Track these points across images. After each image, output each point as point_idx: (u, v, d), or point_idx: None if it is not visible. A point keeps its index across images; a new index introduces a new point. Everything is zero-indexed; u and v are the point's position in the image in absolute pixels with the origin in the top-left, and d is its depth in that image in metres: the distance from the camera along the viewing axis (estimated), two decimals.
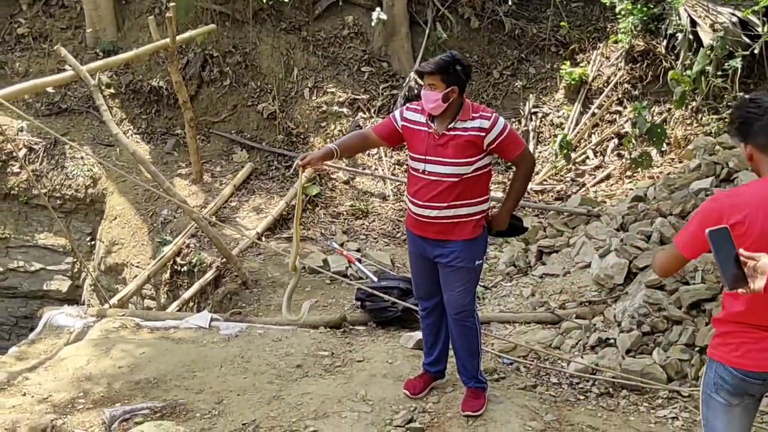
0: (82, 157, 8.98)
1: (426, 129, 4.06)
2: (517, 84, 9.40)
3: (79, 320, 5.99)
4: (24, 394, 4.87)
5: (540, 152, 8.89)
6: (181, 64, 8.76)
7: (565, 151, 8.40)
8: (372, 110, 9.32)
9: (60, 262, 9.21)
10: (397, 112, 4.26)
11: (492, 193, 4.51)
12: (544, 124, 9.11)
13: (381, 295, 5.84)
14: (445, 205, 4.04)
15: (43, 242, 9.15)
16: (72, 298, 9.13)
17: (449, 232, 4.09)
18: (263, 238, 7.66)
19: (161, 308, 7.63)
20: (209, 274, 7.28)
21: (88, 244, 9.14)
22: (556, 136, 8.74)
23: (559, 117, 9.08)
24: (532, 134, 9.00)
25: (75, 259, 9.03)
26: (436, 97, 3.94)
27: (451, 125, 4.01)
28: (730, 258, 2.48)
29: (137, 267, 8.13)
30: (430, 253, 4.20)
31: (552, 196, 8.20)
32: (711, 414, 2.93)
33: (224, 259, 7.17)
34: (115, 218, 8.64)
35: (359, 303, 6.10)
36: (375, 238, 7.87)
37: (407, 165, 4.20)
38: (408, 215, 4.28)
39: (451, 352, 4.58)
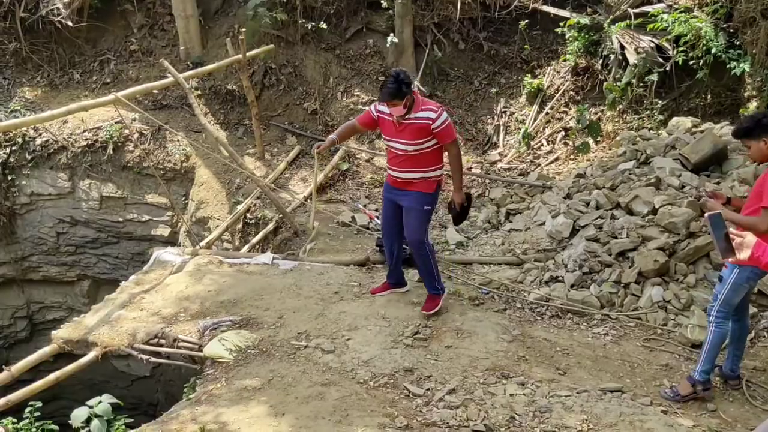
0: (178, 140, 8.84)
1: (390, 119, 4.19)
2: (491, 90, 9.18)
3: (179, 257, 5.99)
4: (141, 309, 4.89)
5: (507, 141, 8.73)
6: (248, 74, 8.56)
7: (526, 140, 8.27)
8: None
9: (163, 215, 9.15)
10: (372, 107, 4.34)
11: None
12: (511, 121, 8.91)
13: None
14: (405, 169, 4.23)
15: (150, 200, 9.07)
16: (172, 240, 9.10)
17: (409, 186, 4.28)
18: (308, 200, 7.59)
19: (236, 249, 7.59)
20: (270, 226, 7.23)
21: (183, 202, 9.06)
22: (519, 129, 8.57)
23: (522, 115, 8.89)
24: (502, 128, 8.82)
25: (173, 213, 8.98)
26: (400, 109, 4.07)
27: (406, 116, 4.11)
28: (722, 235, 2.39)
29: (218, 219, 8.08)
30: (396, 198, 4.36)
31: (517, 173, 8.07)
32: None
33: (281, 215, 7.11)
34: (202, 184, 8.56)
35: (378, 248, 6.05)
36: None
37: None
38: (387, 175, 4.44)
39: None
